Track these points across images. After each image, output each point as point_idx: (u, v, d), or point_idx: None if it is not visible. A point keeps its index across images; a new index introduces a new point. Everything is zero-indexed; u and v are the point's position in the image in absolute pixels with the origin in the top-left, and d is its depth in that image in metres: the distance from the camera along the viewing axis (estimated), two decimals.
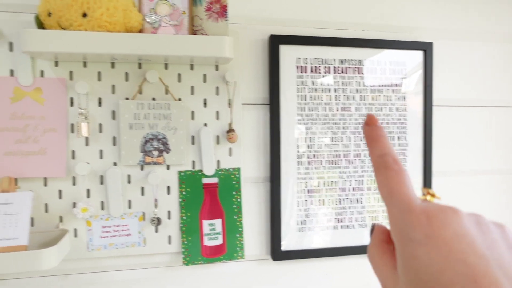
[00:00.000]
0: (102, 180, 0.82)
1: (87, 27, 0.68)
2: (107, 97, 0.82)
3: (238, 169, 0.87)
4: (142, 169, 0.84)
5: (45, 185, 0.80)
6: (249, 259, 0.90)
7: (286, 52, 0.88)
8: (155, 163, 0.83)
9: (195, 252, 0.86)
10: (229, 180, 0.87)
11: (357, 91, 0.92)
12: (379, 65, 0.93)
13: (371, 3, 0.95)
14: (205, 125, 0.86)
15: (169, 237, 0.86)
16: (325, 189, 0.91)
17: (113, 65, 0.82)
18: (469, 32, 1.01)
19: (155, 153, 0.83)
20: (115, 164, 0.83)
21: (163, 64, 0.84)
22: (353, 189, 0.93)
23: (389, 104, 0.93)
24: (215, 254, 0.87)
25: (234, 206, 0.87)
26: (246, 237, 0.90)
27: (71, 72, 0.80)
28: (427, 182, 0.96)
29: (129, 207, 0.84)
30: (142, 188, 0.84)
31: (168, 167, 0.85)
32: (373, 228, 0.29)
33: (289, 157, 0.89)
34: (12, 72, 0.78)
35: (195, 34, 0.74)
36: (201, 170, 0.86)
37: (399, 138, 0.94)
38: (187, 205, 0.86)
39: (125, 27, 0.70)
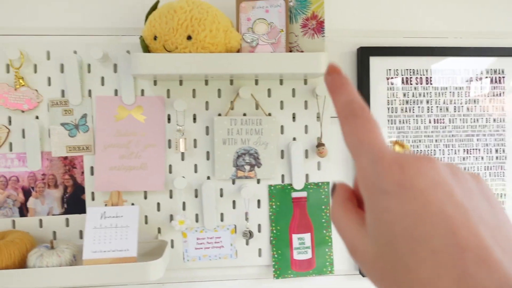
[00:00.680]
0: (196, 194, 0.85)
1: (191, 49, 0.70)
2: (201, 113, 0.85)
3: (327, 183, 0.87)
4: (233, 183, 0.86)
5: (145, 198, 0.85)
6: (338, 273, 0.89)
7: (376, 64, 0.86)
8: (246, 177, 0.85)
9: (285, 265, 0.86)
10: (318, 194, 0.87)
11: (450, 102, 0.88)
12: (474, 74, 0.88)
13: (462, 9, 0.90)
14: (294, 139, 0.86)
15: (259, 250, 0.87)
16: None
17: (206, 82, 0.85)
18: None
19: (247, 167, 0.84)
20: (208, 178, 0.85)
21: (254, 80, 0.85)
22: None
23: (485, 115, 0.88)
24: (305, 268, 0.87)
25: (323, 220, 0.87)
26: (335, 252, 0.89)
27: (168, 90, 0.84)
28: None
29: (222, 220, 0.86)
30: (234, 202, 0.86)
31: (258, 181, 0.86)
32: (334, 187, 0.27)
33: None
34: (116, 92, 0.83)
35: (290, 51, 0.75)
36: (290, 184, 0.86)
37: (497, 151, 0.89)
38: (277, 218, 0.86)
39: (226, 47, 0.72)
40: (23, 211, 0.83)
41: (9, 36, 0.82)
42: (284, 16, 0.72)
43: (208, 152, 0.85)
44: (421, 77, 0.87)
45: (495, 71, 0.88)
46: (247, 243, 0.87)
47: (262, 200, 0.86)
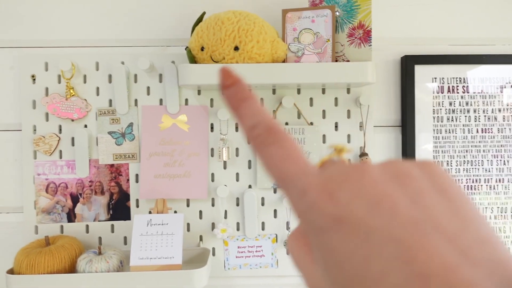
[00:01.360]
0: (238, 202, 0.86)
1: (238, 59, 0.71)
2: None
3: None
4: (275, 192, 0.86)
5: (188, 205, 0.86)
6: None
7: (421, 72, 0.84)
8: None
9: None
10: None
11: (499, 111, 0.85)
12: None
13: (510, 15, 0.87)
14: None
15: None
16: None
17: None
18: None
19: None
20: (250, 186, 0.86)
21: (296, 89, 0.85)
22: (495, 217, 0.86)
23: None
24: None
25: None
26: None
27: (212, 100, 0.85)
28: None
29: (263, 228, 0.86)
30: (275, 211, 0.86)
31: None
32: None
33: None
34: (161, 101, 0.85)
35: (336, 60, 0.75)
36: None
37: None
38: None
39: (272, 57, 0.72)
40: (71, 216, 0.85)
41: (61, 48, 0.85)
42: (331, 26, 0.72)
43: (249, 161, 0.86)
44: (468, 86, 0.85)
45: None
46: (288, 253, 0.86)
47: None
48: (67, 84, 0.83)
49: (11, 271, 0.75)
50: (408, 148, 0.84)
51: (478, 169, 0.85)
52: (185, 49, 0.77)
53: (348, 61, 0.75)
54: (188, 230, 0.86)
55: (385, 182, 0.18)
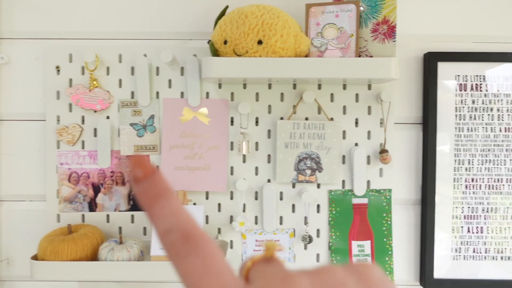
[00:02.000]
0: (256, 196, 0.86)
1: (261, 53, 0.71)
2: (264, 116, 0.86)
3: (389, 190, 0.85)
4: (293, 186, 0.86)
5: (207, 198, 0.86)
6: (397, 283, 0.87)
7: (444, 70, 0.83)
8: (307, 181, 0.85)
9: None
10: (379, 201, 0.85)
11: None
12: None
13: None
14: (356, 144, 0.86)
15: (318, 255, 0.87)
16: (484, 215, 0.85)
17: (270, 86, 0.85)
18: None
19: (308, 171, 0.84)
20: (269, 181, 0.86)
21: (317, 84, 0.85)
22: None
23: None
24: None
25: (384, 228, 0.85)
26: (395, 261, 0.87)
27: (232, 94, 0.86)
28: None
29: (281, 223, 0.86)
30: (293, 206, 0.86)
31: (318, 186, 0.86)
32: None
33: (444, 180, 0.84)
34: (182, 94, 0.86)
35: (359, 56, 0.74)
36: (351, 190, 0.85)
37: None
38: (336, 224, 0.86)
39: (295, 51, 0.72)
40: (92, 206, 0.87)
41: (85, 40, 0.87)
42: (355, 21, 0.72)
43: (269, 155, 0.86)
44: (491, 84, 0.84)
45: None
46: (305, 248, 0.86)
47: (322, 205, 0.86)
48: (90, 75, 0.84)
49: (35, 257, 0.77)
50: (429, 146, 0.84)
51: (500, 169, 0.84)
52: (208, 42, 0.77)
53: (371, 56, 0.74)
54: (207, 222, 0.87)
55: None
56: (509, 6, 0.86)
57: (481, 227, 0.85)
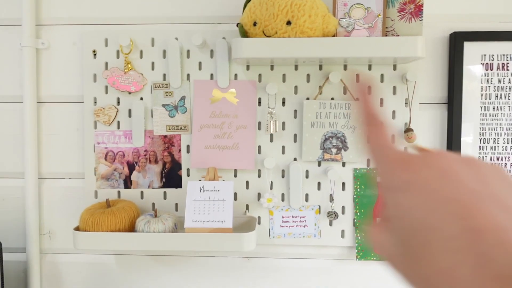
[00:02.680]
0: (283, 174, 0.89)
1: (290, 34, 0.74)
2: (291, 97, 0.88)
3: None
4: (319, 165, 0.89)
5: (235, 176, 0.90)
6: None
7: (471, 49, 0.84)
8: (332, 160, 0.87)
9: (368, 248, 0.88)
10: None
11: None
12: None
13: None
14: None
15: (342, 231, 0.90)
16: None
17: (296, 67, 0.88)
18: None
19: (334, 150, 0.87)
20: (295, 159, 0.89)
21: (343, 65, 0.87)
22: None
23: None
24: None
25: None
26: None
27: (260, 75, 0.89)
28: None
29: (307, 200, 0.89)
30: (319, 183, 0.89)
31: (343, 164, 0.88)
32: None
33: None
34: (211, 76, 0.89)
35: (386, 35, 0.76)
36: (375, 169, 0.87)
37: None
38: (361, 201, 0.88)
39: (323, 32, 0.75)
40: (127, 183, 0.92)
41: (120, 26, 0.91)
42: (382, 1, 0.73)
43: (295, 135, 0.89)
44: None
45: None
46: (330, 224, 0.89)
47: (347, 183, 0.89)
48: (125, 58, 0.89)
49: (77, 229, 0.82)
50: (454, 125, 0.85)
51: None
52: (237, 25, 0.80)
53: (397, 36, 0.76)
54: (235, 199, 0.90)
55: (456, 163, 0.22)
56: None
57: None
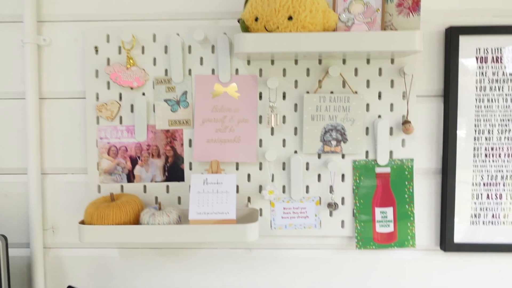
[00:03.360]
0: (284, 166, 0.91)
1: (292, 28, 0.76)
2: (291, 91, 0.90)
3: (411, 160, 0.89)
4: (319, 157, 0.91)
5: (237, 169, 0.92)
6: (419, 248, 0.92)
7: (466, 43, 0.86)
8: (332, 152, 0.89)
9: (367, 237, 0.90)
10: (402, 170, 0.89)
11: None
12: None
13: None
14: (379, 116, 0.90)
15: (342, 221, 0.92)
16: (503, 182, 0.88)
17: (296, 62, 0.90)
18: None
19: (333, 142, 0.89)
20: (296, 152, 0.91)
21: (341, 59, 0.89)
22: None
23: None
24: (386, 241, 0.90)
25: (406, 195, 0.90)
26: (417, 227, 0.91)
27: (260, 70, 0.90)
28: None
29: (307, 191, 0.91)
30: (319, 175, 0.91)
31: (343, 156, 0.90)
32: None
33: (465, 149, 0.88)
34: (213, 71, 0.91)
35: (385, 30, 0.78)
36: (374, 160, 0.90)
37: None
38: (360, 192, 0.90)
39: (324, 26, 0.76)
40: (130, 177, 0.93)
41: (121, 22, 0.92)
42: None
43: (296, 128, 0.91)
44: (511, 56, 0.87)
45: None
46: (330, 215, 0.92)
47: (347, 174, 0.91)
48: (127, 54, 0.90)
49: (82, 223, 0.83)
50: (450, 117, 0.87)
51: None
52: (238, 21, 0.82)
53: (396, 30, 0.78)
54: (238, 192, 0.92)
55: None
56: None
57: (500, 193, 0.89)
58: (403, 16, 0.77)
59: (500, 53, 0.87)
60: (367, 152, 0.90)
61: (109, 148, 0.93)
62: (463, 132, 0.88)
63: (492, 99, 0.87)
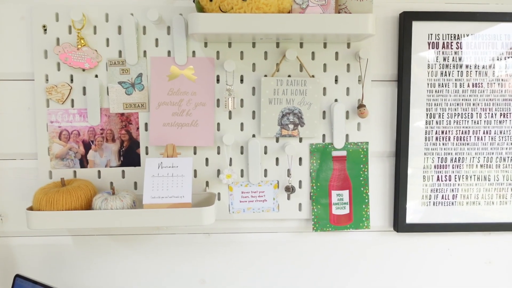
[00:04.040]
0: (242, 150, 0.91)
1: (246, 9, 0.75)
2: (248, 74, 0.89)
3: (367, 143, 0.91)
4: (277, 141, 0.91)
5: (195, 153, 0.91)
6: (373, 229, 0.95)
7: (418, 29, 0.88)
8: (290, 135, 0.90)
9: (324, 219, 0.92)
10: (357, 154, 0.91)
11: (490, 67, 0.90)
12: None
13: None
14: (336, 100, 0.91)
15: (300, 204, 0.93)
16: (452, 165, 0.92)
17: (254, 45, 0.89)
18: None
19: (291, 126, 0.89)
20: (253, 136, 0.91)
21: (299, 43, 0.89)
22: (481, 166, 0.92)
23: None
24: (343, 223, 0.92)
25: (361, 178, 0.92)
26: (371, 209, 0.93)
27: (218, 52, 0.89)
28: None
29: (265, 175, 0.92)
30: (277, 159, 0.91)
31: (300, 140, 0.91)
32: None
33: (417, 133, 0.91)
34: (169, 53, 0.89)
35: (339, 13, 0.78)
36: (331, 143, 0.91)
37: None
38: (317, 175, 0.92)
39: (278, 8, 0.76)
40: (83, 162, 0.90)
41: (72, 0, 0.88)
42: None
43: (253, 112, 0.90)
44: (461, 42, 0.89)
45: None
46: (288, 198, 0.92)
47: (304, 158, 0.92)
48: (78, 34, 0.86)
49: (30, 209, 0.80)
50: (403, 101, 0.89)
51: (468, 122, 0.91)
52: (193, 1, 0.80)
53: (350, 13, 0.78)
54: (195, 176, 0.91)
55: None
56: None
57: (449, 175, 0.92)
58: (357, 0, 0.77)
59: (451, 39, 0.89)
60: (323, 135, 0.91)
61: (60, 132, 0.89)
62: (415, 117, 0.90)
63: (443, 84, 0.90)
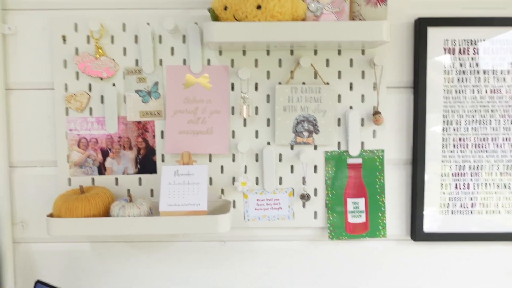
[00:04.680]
0: (257, 158, 0.91)
1: (260, 18, 0.75)
2: (263, 82, 0.90)
3: (382, 151, 0.90)
4: (292, 148, 0.91)
5: (210, 160, 0.91)
6: (389, 238, 0.93)
7: (434, 35, 0.88)
8: (304, 143, 0.89)
9: (339, 228, 0.91)
10: (373, 161, 0.90)
11: (508, 72, 0.88)
12: None
13: None
14: (351, 107, 0.90)
15: (315, 212, 0.92)
16: (471, 173, 0.90)
17: (268, 52, 0.89)
18: None
19: (306, 133, 0.89)
20: (268, 143, 0.91)
21: (313, 50, 0.89)
22: (501, 174, 0.90)
23: None
24: (359, 231, 0.91)
25: (377, 186, 0.91)
26: (388, 217, 0.92)
27: (232, 60, 0.90)
28: None
29: (280, 183, 0.92)
30: (292, 166, 0.91)
31: (315, 147, 0.91)
32: None
33: (434, 140, 0.90)
34: (184, 62, 0.90)
35: (353, 20, 0.78)
36: (346, 151, 0.90)
37: None
38: (333, 183, 0.91)
39: (292, 16, 0.76)
40: (101, 170, 0.91)
41: (90, 11, 0.90)
42: None
43: (268, 119, 0.91)
44: (478, 48, 0.88)
45: None
46: (303, 206, 0.92)
47: (319, 165, 0.91)
48: (96, 44, 0.88)
49: (50, 216, 0.82)
50: (419, 108, 0.88)
51: (486, 128, 0.89)
52: (208, 10, 0.81)
53: (364, 20, 0.78)
54: (210, 184, 0.92)
55: None
56: None
57: (468, 183, 0.91)
58: (371, 7, 0.77)
59: (467, 44, 0.88)
60: (339, 143, 0.91)
61: (79, 140, 0.91)
62: (432, 123, 0.89)
63: (459, 90, 0.89)
